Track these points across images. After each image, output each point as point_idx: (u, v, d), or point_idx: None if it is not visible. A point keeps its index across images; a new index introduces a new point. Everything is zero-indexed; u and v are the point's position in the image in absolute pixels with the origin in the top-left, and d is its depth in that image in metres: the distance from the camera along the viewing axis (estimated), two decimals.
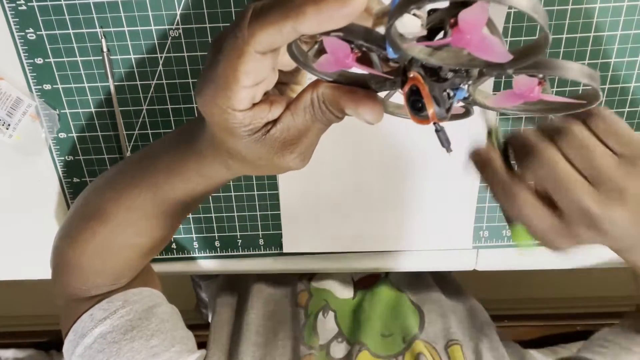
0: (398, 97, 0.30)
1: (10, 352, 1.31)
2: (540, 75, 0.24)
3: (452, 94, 0.25)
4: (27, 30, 0.48)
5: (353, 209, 0.57)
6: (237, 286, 0.67)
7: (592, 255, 0.60)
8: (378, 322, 0.58)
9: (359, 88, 0.28)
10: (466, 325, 0.59)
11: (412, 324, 0.57)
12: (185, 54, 0.49)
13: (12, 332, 1.38)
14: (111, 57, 0.49)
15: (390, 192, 0.56)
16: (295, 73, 0.32)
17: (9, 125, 0.51)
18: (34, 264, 0.60)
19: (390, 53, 0.23)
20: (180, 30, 0.48)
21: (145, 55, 0.49)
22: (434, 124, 0.25)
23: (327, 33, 0.24)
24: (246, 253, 0.60)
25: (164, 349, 0.45)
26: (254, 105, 0.27)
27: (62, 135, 0.53)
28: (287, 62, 0.29)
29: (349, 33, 0.24)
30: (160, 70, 0.50)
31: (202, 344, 0.63)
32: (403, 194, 0.56)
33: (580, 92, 0.30)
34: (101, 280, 0.46)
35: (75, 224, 0.45)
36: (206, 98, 0.27)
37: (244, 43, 0.24)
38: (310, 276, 0.65)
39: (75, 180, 0.55)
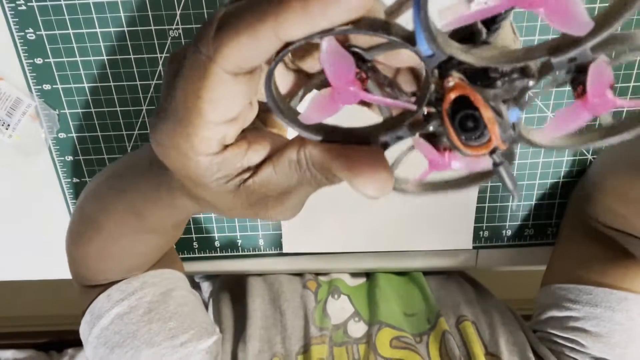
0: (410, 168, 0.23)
1: (9, 353, 1.31)
2: (607, 59, 0.16)
3: (506, 108, 0.17)
4: (27, 30, 0.48)
5: (353, 209, 0.57)
6: (237, 284, 0.67)
7: None
8: (397, 302, 0.57)
9: (359, 146, 0.19)
10: (475, 304, 0.57)
11: (432, 302, 0.56)
12: None
13: (12, 333, 1.38)
14: (111, 57, 0.49)
15: (390, 192, 0.56)
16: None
17: (8, 125, 0.51)
18: (33, 264, 0.60)
19: (425, 50, 0.16)
20: (180, 30, 0.48)
21: (145, 55, 0.49)
22: (491, 154, 0.17)
23: (327, 32, 0.16)
24: (246, 253, 0.60)
25: (182, 331, 0.44)
26: (226, 147, 0.20)
27: (62, 135, 0.53)
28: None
29: (360, 28, 0.16)
30: (160, 70, 0.50)
31: None
32: None
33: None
34: (111, 276, 0.45)
35: (75, 225, 0.44)
36: (160, 137, 0.20)
37: (208, 59, 0.17)
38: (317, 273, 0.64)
39: (75, 180, 0.55)
